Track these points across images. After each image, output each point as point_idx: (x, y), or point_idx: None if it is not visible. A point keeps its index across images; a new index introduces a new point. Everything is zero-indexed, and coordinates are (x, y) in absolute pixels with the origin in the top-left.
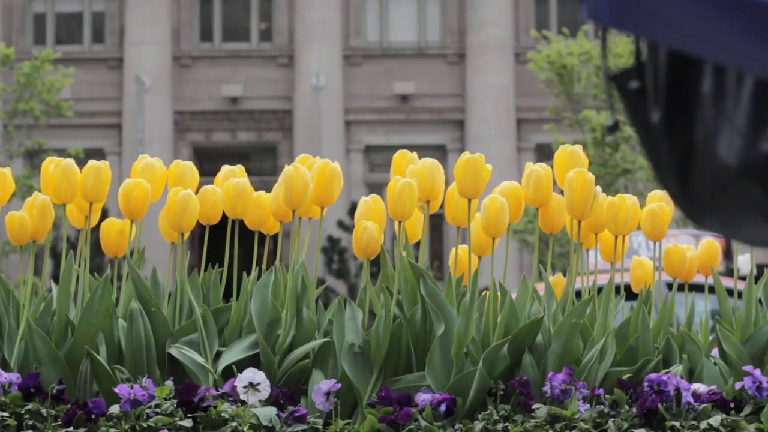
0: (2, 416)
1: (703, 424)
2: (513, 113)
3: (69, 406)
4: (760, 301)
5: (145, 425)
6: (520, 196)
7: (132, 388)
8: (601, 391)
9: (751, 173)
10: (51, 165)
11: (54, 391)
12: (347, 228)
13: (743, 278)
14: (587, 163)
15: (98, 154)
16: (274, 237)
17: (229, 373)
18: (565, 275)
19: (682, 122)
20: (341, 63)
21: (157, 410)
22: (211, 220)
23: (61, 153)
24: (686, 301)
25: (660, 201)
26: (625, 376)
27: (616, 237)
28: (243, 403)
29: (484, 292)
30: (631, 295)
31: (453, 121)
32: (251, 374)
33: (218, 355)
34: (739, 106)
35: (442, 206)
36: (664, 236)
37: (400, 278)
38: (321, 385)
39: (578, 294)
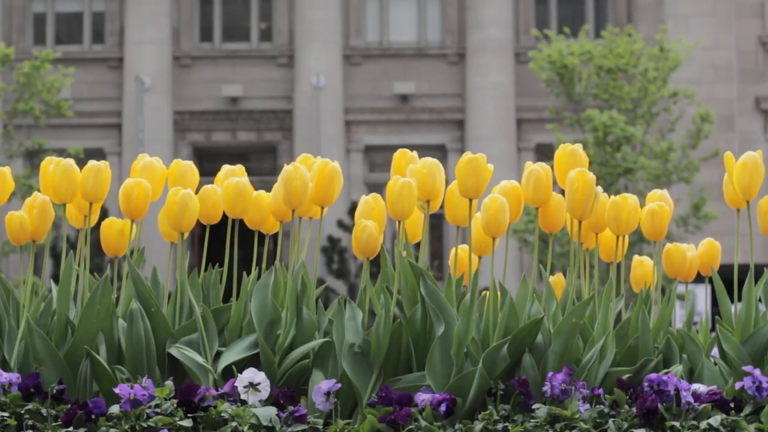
0: (2, 416)
1: (703, 424)
2: (513, 113)
3: (69, 406)
4: (759, 300)
5: (145, 425)
6: (519, 196)
7: (132, 388)
8: (601, 391)
9: None
10: (50, 165)
11: (54, 391)
12: (347, 228)
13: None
14: (587, 163)
15: (98, 154)
16: (274, 237)
17: (229, 373)
18: (565, 275)
19: None
20: (341, 63)
21: (157, 410)
22: (211, 219)
23: (61, 153)
24: (687, 301)
25: (660, 201)
26: (625, 376)
27: (617, 237)
28: (243, 403)
29: (484, 292)
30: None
31: (453, 121)
32: (251, 374)
33: (218, 355)
34: None
35: (442, 206)
36: (665, 236)
37: (400, 278)
38: (321, 385)
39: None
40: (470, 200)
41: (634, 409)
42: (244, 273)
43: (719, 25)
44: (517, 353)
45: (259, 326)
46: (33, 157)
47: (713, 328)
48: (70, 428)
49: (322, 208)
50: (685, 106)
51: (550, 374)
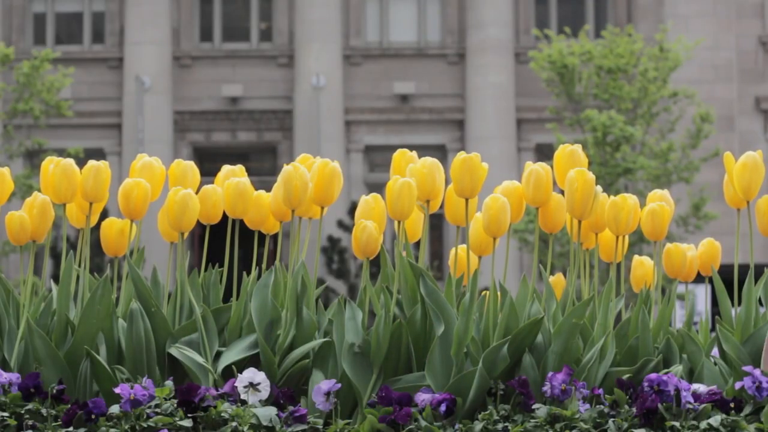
0: (2, 416)
1: (703, 424)
2: (513, 113)
3: (69, 406)
4: (759, 300)
5: (145, 425)
6: (520, 196)
7: (132, 388)
8: (601, 391)
9: None
10: (51, 165)
11: (54, 391)
12: (347, 228)
13: None
14: (587, 163)
15: (98, 154)
16: (274, 237)
17: (229, 373)
18: (565, 275)
19: None
20: (341, 63)
21: (157, 410)
22: (211, 219)
23: (61, 153)
24: (687, 301)
25: (660, 201)
26: (625, 376)
27: (617, 237)
28: (243, 403)
29: (484, 292)
30: None
31: (453, 121)
32: (251, 374)
33: (218, 355)
34: None
35: (442, 206)
36: (665, 236)
37: (400, 278)
38: (321, 385)
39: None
40: (467, 200)
41: (634, 409)
42: (244, 273)
43: (719, 25)
44: (517, 353)
45: (259, 326)
46: (33, 157)
47: (713, 328)
48: (70, 428)
49: (322, 208)
50: (685, 106)
51: (550, 374)
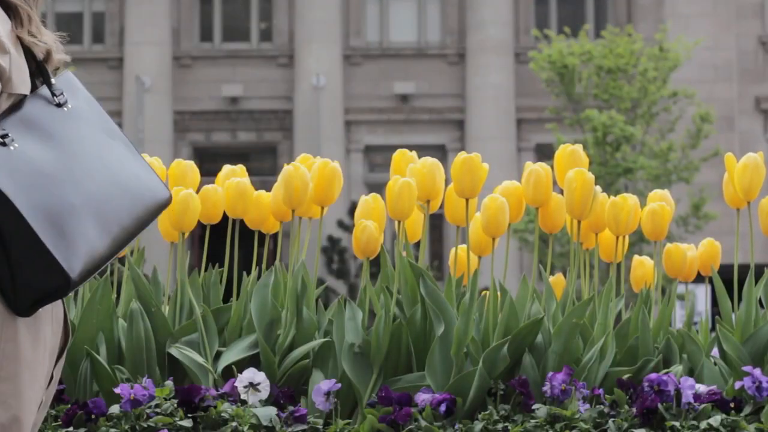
0: None
1: (703, 424)
2: (513, 113)
3: (69, 406)
4: (759, 300)
5: (145, 425)
6: (520, 196)
7: (132, 388)
8: (601, 391)
9: None
10: None
11: None
12: (347, 228)
13: None
14: (587, 163)
15: None
16: (274, 237)
17: (229, 373)
18: (565, 275)
19: None
20: (341, 63)
21: (157, 410)
22: (212, 219)
23: None
24: (687, 301)
25: (660, 201)
26: (625, 376)
27: (616, 237)
28: (243, 403)
29: (484, 292)
30: None
31: (453, 121)
32: (251, 374)
33: (218, 355)
34: None
35: (442, 206)
36: (665, 236)
37: (400, 278)
38: (321, 385)
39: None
40: (467, 200)
41: (634, 409)
42: (244, 273)
43: (719, 25)
44: (517, 353)
45: (259, 326)
46: None
47: (713, 328)
48: (70, 428)
49: (322, 208)
50: (685, 106)
51: (550, 374)
